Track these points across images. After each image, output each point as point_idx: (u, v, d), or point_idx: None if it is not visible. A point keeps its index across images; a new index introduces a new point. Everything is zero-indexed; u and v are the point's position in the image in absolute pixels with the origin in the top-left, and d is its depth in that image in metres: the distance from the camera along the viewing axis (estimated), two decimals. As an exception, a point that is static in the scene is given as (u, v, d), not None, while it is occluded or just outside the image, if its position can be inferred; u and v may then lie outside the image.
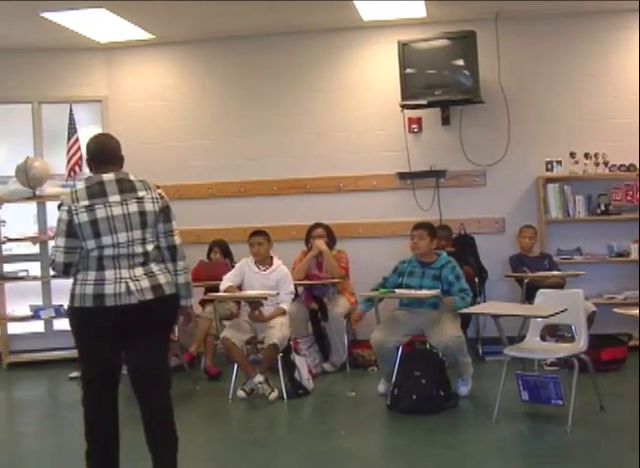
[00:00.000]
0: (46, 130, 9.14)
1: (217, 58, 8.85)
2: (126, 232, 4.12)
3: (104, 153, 4.34)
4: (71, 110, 8.70)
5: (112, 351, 4.19)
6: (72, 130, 8.68)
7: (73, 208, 4.11)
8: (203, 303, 7.92)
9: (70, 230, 4.11)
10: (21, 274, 8.75)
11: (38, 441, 5.72)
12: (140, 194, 4.21)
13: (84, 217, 4.09)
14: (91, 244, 4.09)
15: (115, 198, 4.14)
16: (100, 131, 8.96)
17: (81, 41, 8.54)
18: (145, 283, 4.12)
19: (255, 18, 8.07)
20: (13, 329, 8.84)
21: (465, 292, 6.43)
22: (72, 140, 8.65)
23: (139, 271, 4.14)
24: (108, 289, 4.05)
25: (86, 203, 4.11)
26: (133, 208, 4.16)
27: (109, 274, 4.08)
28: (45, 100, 9.04)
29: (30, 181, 8.45)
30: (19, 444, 5.85)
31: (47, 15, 7.55)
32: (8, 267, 8.79)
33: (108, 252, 4.10)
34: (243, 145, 8.79)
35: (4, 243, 8.72)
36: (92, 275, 4.09)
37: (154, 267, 4.20)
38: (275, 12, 7.90)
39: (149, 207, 4.21)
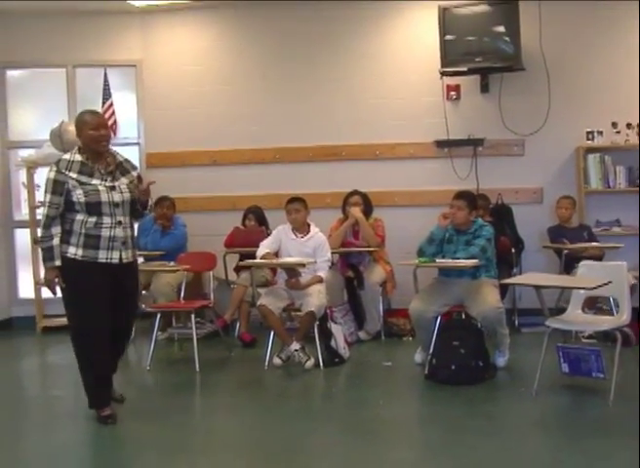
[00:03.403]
0: (79, 94, 9.06)
1: (253, 22, 8.73)
2: None
3: None
4: (106, 75, 8.69)
5: None
6: (107, 94, 8.67)
7: None
8: (238, 270, 7.89)
9: None
10: (55, 238, 8.75)
11: (71, 404, 5.73)
12: None
13: None
14: None
15: None
16: (135, 95, 8.97)
17: (116, 5, 8.49)
18: None
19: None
20: (47, 293, 8.84)
21: (476, 249, 6.29)
22: (107, 105, 8.66)
23: None
24: None
25: None
26: None
27: None
28: (79, 64, 8.98)
29: (65, 145, 8.38)
30: (52, 407, 5.86)
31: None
32: (39, 230, 8.77)
33: None
34: (279, 111, 8.70)
35: (38, 207, 8.70)
36: None
37: None
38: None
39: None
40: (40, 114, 9.18)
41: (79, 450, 4.93)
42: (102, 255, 5.01)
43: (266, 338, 6.77)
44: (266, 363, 6.61)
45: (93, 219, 4.97)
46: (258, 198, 8.45)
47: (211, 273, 7.44)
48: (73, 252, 4.98)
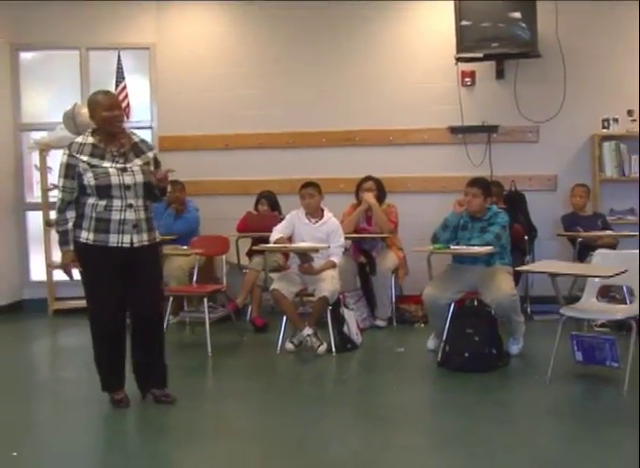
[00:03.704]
0: (92, 76, 9.01)
1: (268, 6, 8.62)
2: None
3: None
4: (119, 57, 8.61)
5: None
6: (120, 77, 8.60)
7: None
8: (250, 254, 7.88)
9: None
10: (68, 221, 8.74)
11: (84, 387, 5.75)
12: None
13: None
14: None
15: None
16: (148, 78, 8.91)
17: (131, -13, 8.43)
18: None
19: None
20: (58, 275, 8.86)
21: (491, 236, 6.25)
22: (120, 88, 8.59)
23: None
24: None
25: None
26: None
27: None
28: (93, 47, 8.93)
29: (78, 128, 8.36)
30: (61, 390, 5.87)
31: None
32: (54, 214, 8.74)
33: None
34: (292, 96, 8.65)
35: (50, 190, 8.70)
36: None
37: None
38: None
39: None
40: (53, 96, 9.15)
41: (90, 434, 4.92)
42: (113, 239, 4.91)
43: (277, 323, 6.77)
44: (278, 348, 6.61)
45: (103, 203, 4.87)
46: (270, 183, 8.41)
47: (223, 257, 7.42)
48: (85, 236, 4.91)
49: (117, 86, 8.57)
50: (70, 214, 4.93)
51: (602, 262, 5.89)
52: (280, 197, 8.14)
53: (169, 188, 5.30)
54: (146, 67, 8.97)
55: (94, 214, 4.88)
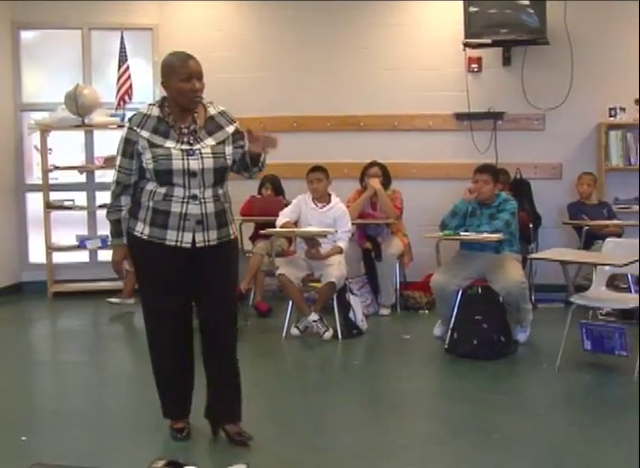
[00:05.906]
0: (94, 57, 8.91)
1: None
2: None
3: None
4: (122, 38, 8.48)
5: None
6: (123, 58, 8.45)
7: None
8: (253, 239, 7.82)
9: None
10: (68, 203, 8.68)
11: (83, 370, 5.73)
12: None
13: None
14: None
15: None
16: (151, 60, 8.80)
17: (134, -34, 8.33)
18: None
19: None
20: (58, 258, 8.79)
21: (501, 223, 6.22)
22: (123, 69, 8.45)
23: None
24: None
25: None
26: None
27: None
28: (95, 27, 8.81)
29: (79, 109, 8.32)
30: (61, 372, 5.85)
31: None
32: (54, 196, 8.67)
33: None
34: (297, 79, 8.55)
35: (51, 171, 8.61)
36: None
37: None
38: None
39: None
40: (54, 76, 9.01)
41: (95, 417, 4.84)
42: (171, 237, 4.01)
43: (280, 308, 6.75)
44: (284, 333, 6.57)
45: (162, 190, 4.00)
46: (273, 167, 8.18)
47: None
48: (140, 229, 4.05)
49: (120, 67, 8.44)
50: (126, 201, 4.11)
51: (613, 251, 5.87)
52: (283, 182, 8.04)
53: (263, 156, 4.13)
54: (148, 48, 8.85)
55: (150, 204, 4.04)
